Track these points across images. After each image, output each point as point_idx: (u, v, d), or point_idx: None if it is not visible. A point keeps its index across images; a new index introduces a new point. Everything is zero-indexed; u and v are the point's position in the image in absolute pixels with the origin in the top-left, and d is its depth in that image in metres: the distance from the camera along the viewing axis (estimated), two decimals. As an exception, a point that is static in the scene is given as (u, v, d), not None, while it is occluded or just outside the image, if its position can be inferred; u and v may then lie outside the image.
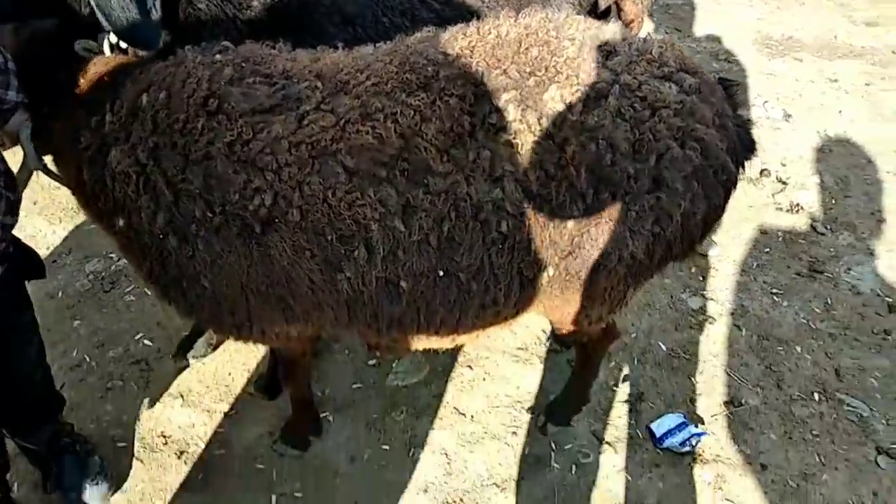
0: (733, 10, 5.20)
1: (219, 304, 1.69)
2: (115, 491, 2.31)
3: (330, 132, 1.50)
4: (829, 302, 3.04)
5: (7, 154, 1.64)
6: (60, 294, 2.95)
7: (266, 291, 1.67)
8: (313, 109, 1.52)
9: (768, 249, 3.32)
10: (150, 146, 1.50)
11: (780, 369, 2.76)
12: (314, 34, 1.92)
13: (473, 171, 1.54)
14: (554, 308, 1.91)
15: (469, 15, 2.18)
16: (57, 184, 1.77)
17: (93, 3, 1.54)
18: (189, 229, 1.54)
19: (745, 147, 1.76)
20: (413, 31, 2.03)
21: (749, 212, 3.52)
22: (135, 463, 2.39)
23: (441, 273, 1.64)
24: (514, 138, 1.53)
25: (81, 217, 3.26)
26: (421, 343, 1.88)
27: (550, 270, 1.73)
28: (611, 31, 1.69)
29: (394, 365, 2.72)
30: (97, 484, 2.22)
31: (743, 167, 1.78)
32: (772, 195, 3.65)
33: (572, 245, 1.67)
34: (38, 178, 1.72)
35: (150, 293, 2.94)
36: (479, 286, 1.69)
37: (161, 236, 1.56)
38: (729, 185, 1.72)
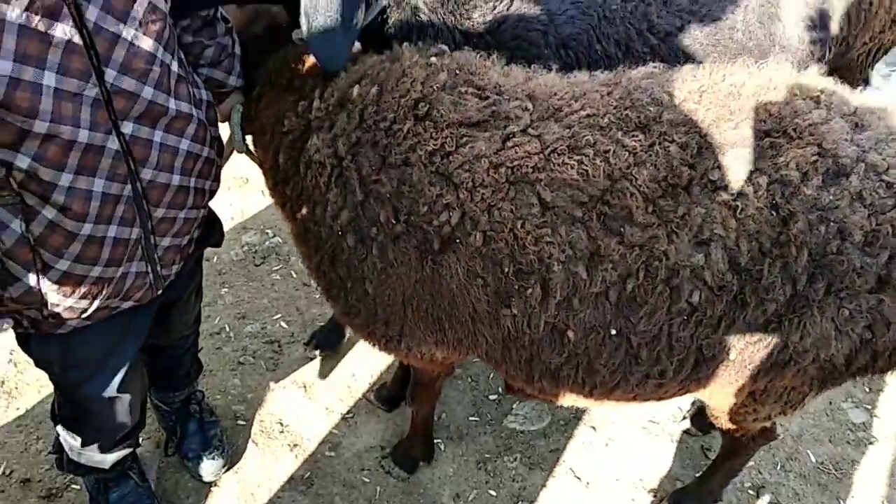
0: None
1: (376, 312, 1.65)
2: (228, 469, 2.33)
3: (533, 159, 1.42)
4: None
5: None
6: (215, 259, 3.06)
7: (426, 310, 1.60)
8: (520, 132, 1.44)
9: (955, 376, 2.90)
10: (352, 140, 1.47)
11: (949, 516, 2.38)
12: (527, 52, 1.86)
13: (679, 228, 1.39)
14: (721, 396, 1.73)
15: (686, 57, 2.04)
16: (235, 152, 1.80)
17: (302, 4, 1.50)
18: (369, 232, 1.51)
19: None
20: (626, 63, 1.93)
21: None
22: (250, 445, 2.41)
23: (613, 332, 1.51)
24: (734, 201, 1.38)
25: (249, 188, 3.40)
26: (568, 399, 1.75)
27: (732, 354, 1.54)
28: (866, 101, 1.51)
29: (514, 406, 2.59)
30: (213, 459, 2.25)
31: None
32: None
33: (766, 332, 1.48)
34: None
35: (295, 276, 3.02)
36: (649, 355, 1.53)
37: (340, 233, 1.54)
38: (967, 303, 1.47)
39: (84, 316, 1.46)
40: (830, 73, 3.14)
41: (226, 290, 2.93)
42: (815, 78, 1.53)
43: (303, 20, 1.49)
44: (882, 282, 1.40)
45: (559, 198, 1.41)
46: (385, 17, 1.68)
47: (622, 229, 1.41)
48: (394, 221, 1.48)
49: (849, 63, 2.96)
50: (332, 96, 1.52)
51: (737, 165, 1.39)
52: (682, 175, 1.39)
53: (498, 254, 1.46)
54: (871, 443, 2.60)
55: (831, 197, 1.37)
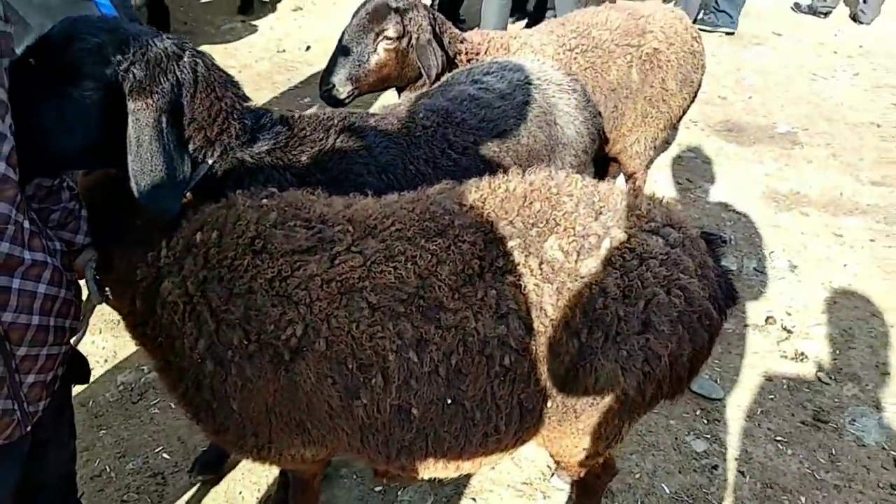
0: (743, 164, 5.35)
1: (244, 425, 1.83)
2: None
3: (357, 271, 1.71)
4: (834, 452, 3.04)
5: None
6: (91, 403, 3.08)
7: (288, 415, 1.80)
8: (344, 251, 1.74)
9: (773, 396, 3.34)
10: (200, 279, 1.71)
11: (784, 520, 2.75)
12: (354, 181, 2.20)
13: (481, 308, 1.73)
14: (553, 440, 2.02)
15: (482, 163, 2.48)
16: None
17: (129, 167, 1.73)
18: (225, 355, 1.71)
19: (726, 296, 1.95)
20: (435, 176, 2.33)
21: (754, 358, 3.57)
22: (140, 582, 2.42)
23: (449, 401, 1.78)
24: (518, 280, 1.74)
25: (119, 329, 3.44)
26: (427, 471, 1.98)
27: (549, 403, 1.87)
28: (605, 188, 1.93)
29: (399, 493, 2.77)
30: None
31: (725, 315, 1.95)
32: (777, 343, 3.67)
33: (569, 380, 1.81)
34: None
35: (174, 407, 3.08)
36: (482, 415, 1.82)
37: (199, 360, 1.73)
38: (712, 330, 1.88)
39: None
40: (614, 159, 3.86)
41: (104, 431, 2.95)
42: (568, 177, 1.96)
43: (132, 182, 1.75)
44: (645, 324, 1.76)
45: (383, 299, 1.71)
46: (214, 171, 1.95)
47: (438, 316, 1.72)
48: (246, 342, 1.70)
49: (626, 149, 3.65)
50: (178, 244, 1.76)
51: (515, 252, 1.77)
52: (475, 266, 1.74)
53: (341, 354, 1.71)
54: (714, 467, 2.96)
55: (588, 266, 1.76)
